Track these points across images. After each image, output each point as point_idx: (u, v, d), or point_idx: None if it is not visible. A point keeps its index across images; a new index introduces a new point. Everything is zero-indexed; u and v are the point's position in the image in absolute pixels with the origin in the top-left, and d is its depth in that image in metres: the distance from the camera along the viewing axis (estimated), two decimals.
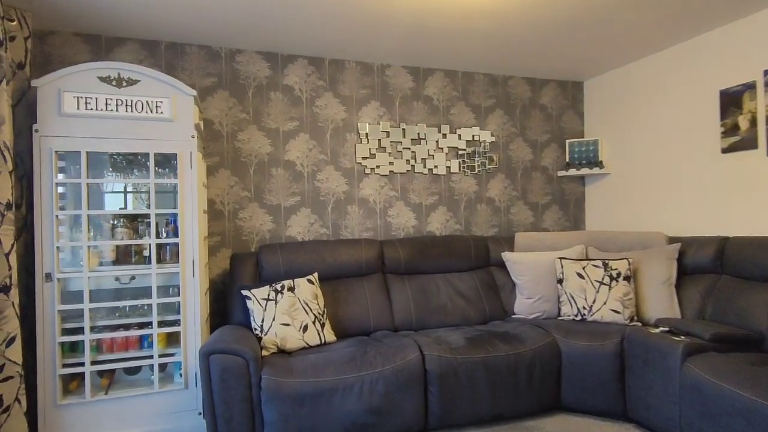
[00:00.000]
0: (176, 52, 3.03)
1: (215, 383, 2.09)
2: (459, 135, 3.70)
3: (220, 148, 3.12)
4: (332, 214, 3.37)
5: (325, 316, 2.68)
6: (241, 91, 3.17)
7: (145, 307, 2.54)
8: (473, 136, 3.74)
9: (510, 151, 3.87)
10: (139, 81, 2.44)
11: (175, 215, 2.52)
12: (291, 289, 2.64)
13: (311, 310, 2.62)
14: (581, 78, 4.00)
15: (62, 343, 2.33)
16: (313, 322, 2.59)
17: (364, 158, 3.46)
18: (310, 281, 2.73)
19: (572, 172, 3.88)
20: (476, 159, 3.75)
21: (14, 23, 2.41)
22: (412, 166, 3.58)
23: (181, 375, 2.50)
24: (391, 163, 3.52)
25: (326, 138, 3.37)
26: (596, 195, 3.98)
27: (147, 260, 2.51)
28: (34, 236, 2.29)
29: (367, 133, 3.46)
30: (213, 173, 3.09)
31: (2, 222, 2.15)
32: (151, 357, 2.43)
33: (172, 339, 2.57)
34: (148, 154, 2.46)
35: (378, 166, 3.49)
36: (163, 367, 2.60)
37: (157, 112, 2.45)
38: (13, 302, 2.17)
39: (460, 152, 3.71)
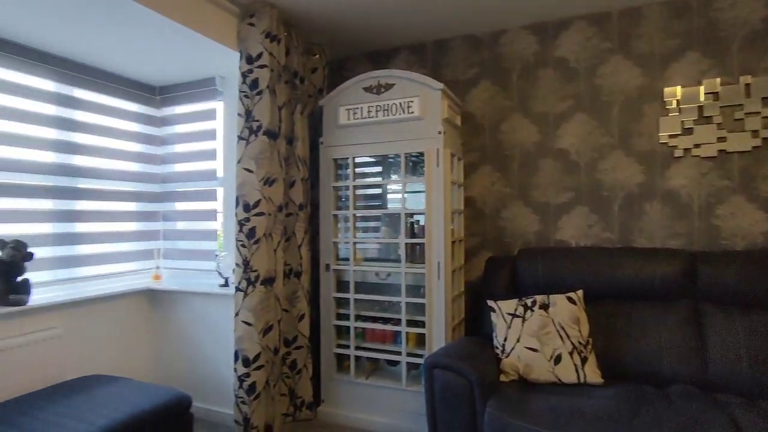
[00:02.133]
0: (441, 50, 3.00)
1: (437, 399, 1.90)
2: None
3: (481, 142, 2.89)
4: (620, 214, 2.57)
5: (589, 348, 2.04)
6: (505, 76, 2.84)
7: (399, 305, 2.61)
8: None
9: None
10: (394, 84, 2.51)
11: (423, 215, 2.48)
12: (544, 306, 2.14)
13: (569, 336, 2.05)
14: None
15: (337, 326, 2.68)
16: (570, 353, 2.01)
17: (672, 136, 2.48)
18: (570, 300, 2.14)
19: None
20: None
21: (315, 57, 2.94)
22: (765, 140, 2.31)
23: None
24: (721, 139, 2.38)
25: (612, 115, 2.60)
26: None
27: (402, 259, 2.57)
28: (317, 232, 2.72)
29: (678, 100, 2.47)
30: (474, 170, 2.90)
31: (297, 220, 2.65)
32: (403, 353, 2.47)
33: (422, 340, 2.54)
34: (400, 155, 2.50)
35: (697, 145, 2.43)
36: (416, 365, 2.61)
37: (408, 112, 2.47)
38: (303, 286, 2.64)
39: None
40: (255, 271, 2.29)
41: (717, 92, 2.40)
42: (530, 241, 2.76)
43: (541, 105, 2.76)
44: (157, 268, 2.96)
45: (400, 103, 2.49)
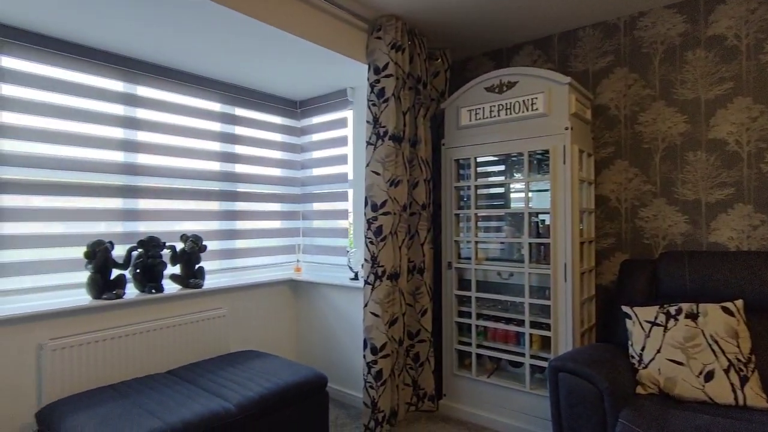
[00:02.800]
0: (568, 41, 2.86)
1: (563, 406, 1.84)
2: None
3: (616, 136, 2.68)
4: None
5: (751, 366, 1.77)
6: (645, 62, 2.59)
7: (522, 305, 2.56)
8: None
9: None
10: (517, 82, 2.48)
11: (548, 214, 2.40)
12: (692, 315, 1.92)
13: (724, 352, 1.81)
14: None
15: (458, 323, 2.73)
16: (726, 371, 1.77)
17: None
18: (727, 310, 1.89)
19: None
20: None
21: (438, 61, 3.03)
22: None
23: None
24: None
25: None
26: None
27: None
28: (439, 231, 2.80)
29: None
30: (607, 166, 2.70)
31: (420, 219, 2.76)
32: (525, 355, 2.42)
33: (546, 343, 2.46)
34: (523, 153, 2.46)
35: None
36: (541, 369, 2.54)
37: (531, 109, 2.41)
38: (425, 282, 2.75)
39: None
40: (381, 266, 2.47)
41: None
42: (675, 243, 2.48)
43: (689, 91, 2.46)
44: (297, 261, 3.34)
45: (523, 101, 2.44)
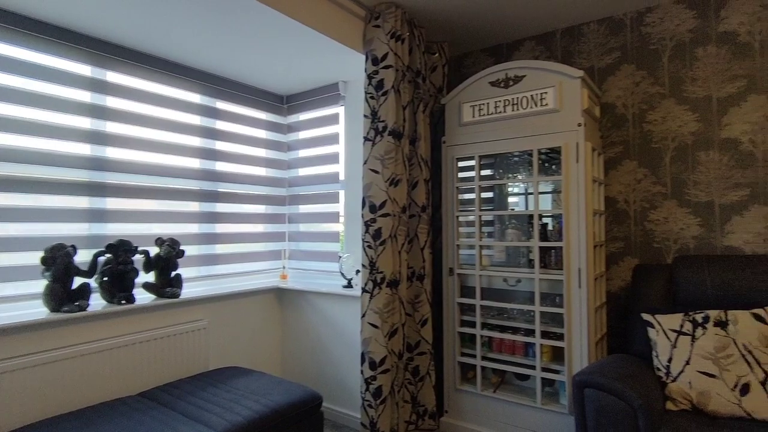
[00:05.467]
0: (572, 37, 2.74)
1: (590, 426, 1.67)
2: None
3: (623, 135, 2.57)
4: None
5: None
6: (653, 58, 2.49)
7: (531, 314, 2.40)
8: None
9: None
10: (525, 76, 2.34)
11: (560, 216, 2.25)
12: (721, 323, 1.79)
13: (759, 363, 1.68)
14: None
15: (461, 334, 2.54)
16: (763, 383, 1.64)
17: None
18: (759, 318, 1.76)
19: None
20: None
21: (435, 55, 2.86)
22: None
23: (566, 397, 2.19)
24: None
25: None
26: None
27: (533, 264, 2.36)
28: (440, 235, 2.62)
29: None
30: (614, 167, 2.58)
31: (419, 222, 2.57)
32: (535, 368, 2.25)
33: (558, 354, 2.30)
34: (532, 151, 2.31)
35: None
36: (550, 382, 2.37)
37: (540, 104, 2.27)
38: (425, 289, 2.55)
39: None
40: (381, 272, 2.26)
41: None
42: (687, 247, 2.37)
43: (700, 89, 2.37)
44: (284, 267, 3.10)
45: (531, 96, 2.30)
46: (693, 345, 1.79)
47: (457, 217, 2.55)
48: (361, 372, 2.26)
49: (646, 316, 1.98)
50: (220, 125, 2.77)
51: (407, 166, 2.47)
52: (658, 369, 1.84)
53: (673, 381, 1.77)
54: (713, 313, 1.83)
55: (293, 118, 3.15)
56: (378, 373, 2.22)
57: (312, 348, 2.84)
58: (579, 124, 2.16)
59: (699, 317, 1.84)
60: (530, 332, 2.33)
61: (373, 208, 2.29)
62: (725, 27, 2.32)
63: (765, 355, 1.68)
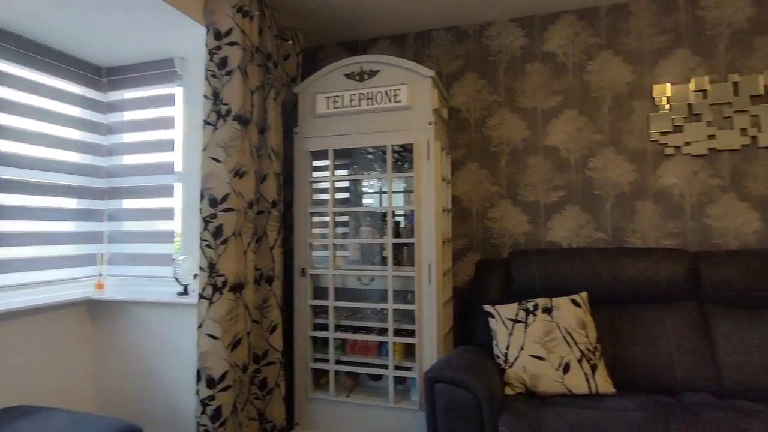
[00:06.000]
0: (423, 41, 2.83)
1: (440, 419, 1.67)
2: None
3: (467, 138, 2.73)
4: (612, 214, 2.48)
5: (597, 354, 1.88)
6: (492, 69, 2.71)
7: (384, 312, 2.37)
8: None
9: None
10: (379, 71, 2.30)
11: (412, 213, 2.26)
12: (547, 310, 1.97)
13: (576, 343, 1.89)
14: None
15: (314, 338, 2.39)
16: (579, 361, 1.85)
17: (663, 133, 2.42)
18: (575, 303, 1.99)
19: None
20: None
21: (289, 42, 2.67)
22: (753, 138, 2.30)
23: (416, 393, 2.20)
24: (711, 137, 2.35)
25: (602, 112, 2.52)
26: None
27: (386, 261, 2.34)
28: (290, 233, 2.44)
29: (668, 97, 2.42)
30: (459, 167, 2.73)
31: (269, 219, 2.35)
32: (388, 367, 2.22)
33: (410, 351, 2.31)
34: (386, 147, 2.28)
35: (687, 143, 2.38)
36: (402, 379, 2.37)
37: (394, 101, 2.26)
38: (275, 293, 2.34)
39: None
40: (222, 275, 1.98)
41: (706, 90, 2.37)
42: (520, 243, 2.61)
43: (529, 100, 2.64)
44: (100, 275, 2.55)
45: (386, 91, 2.28)
46: (526, 331, 1.93)
47: (311, 214, 2.40)
48: (197, 392, 1.94)
49: (487, 308, 2.09)
50: (7, 93, 2.15)
51: (255, 156, 2.24)
52: (498, 357, 1.95)
53: (511, 367, 1.89)
54: (541, 301, 2.01)
55: (116, 96, 2.63)
56: (217, 391, 1.94)
57: (136, 371, 2.37)
58: (430, 123, 2.20)
59: (530, 305, 2.00)
60: (384, 331, 2.29)
61: (213, 202, 2.00)
62: (547, 47, 2.62)
63: (580, 335, 1.90)
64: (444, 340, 2.29)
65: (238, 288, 2.05)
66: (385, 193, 2.68)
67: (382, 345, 2.32)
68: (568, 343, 1.88)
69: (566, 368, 1.83)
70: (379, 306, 2.26)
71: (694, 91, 2.38)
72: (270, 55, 2.38)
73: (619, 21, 2.51)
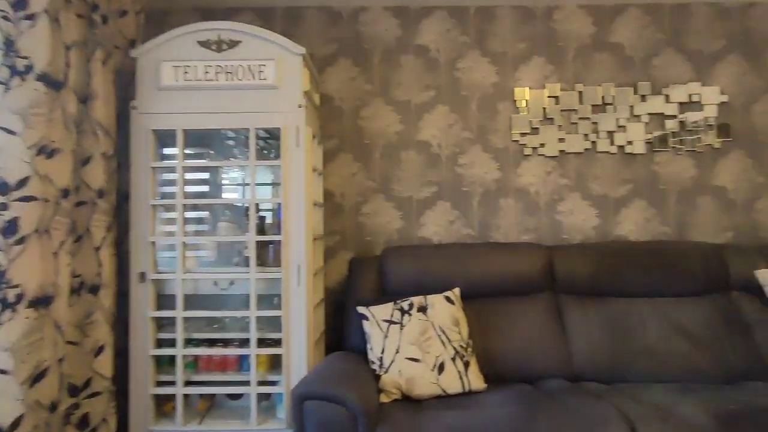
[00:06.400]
0: (293, 18, 2.58)
1: None
2: (667, 96, 2.55)
3: (339, 128, 2.56)
4: (479, 210, 2.54)
5: (470, 351, 1.87)
6: (366, 57, 2.58)
7: (246, 321, 2.07)
8: (690, 96, 2.54)
9: (754, 116, 2.55)
10: (240, 42, 1.99)
11: (279, 206, 2.01)
12: (422, 309, 1.90)
13: (450, 341, 1.85)
14: None
15: (156, 357, 1.97)
16: (453, 359, 1.81)
17: (522, 134, 2.56)
18: (449, 299, 1.96)
19: None
20: (696, 130, 2.53)
21: None
22: (593, 143, 2.56)
23: (283, 410, 1.95)
24: (561, 140, 2.55)
25: (471, 110, 2.57)
26: None
27: (248, 262, 2.03)
28: (127, 230, 1.98)
29: (527, 101, 2.56)
30: (332, 159, 2.55)
31: (94, 211, 1.86)
32: (249, 383, 1.93)
33: (277, 363, 2.04)
34: (249, 130, 1.98)
35: (542, 145, 2.55)
36: (267, 396, 2.09)
37: (259, 78, 1.97)
38: (102, 305, 1.87)
39: (669, 121, 2.55)
40: (16, 286, 1.47)
41: (557, 96, 2.57)
42: (393, 239, 2.53)
43: (403, 93, 2.58)
44: None
45: (248, 66, 1.97)
46: (402, 332, 1.83)
47: (154, 207, 1.98)
48: None
49: (361, 309, 1.95)
50: None
51: (74, 131, 1.74)
52: (373, 362, 1.82)
53: (386, 372, 1.77)
54: (416, 300, 1.93)
55: None
56: None
57: None
58: (300, 106, 1.97)
59: (405, 305, 1.91)
60: (245, 342, 1.99)
61: (3, 187, 1.48)
62: (421, 41, 2.59)
63: (454, 333, 1.87)
64: (315, 347, 2.08)
65: (42, 302, 1.55)
66: (248, 184, 2.36)
67: (243, 358, 2.01)
68: (442, 342, 1.83)
69: (441, 368, 1.77)
70: (240, 314, 1.95)
71: (548, 96, 2.57)
72: (96, 6, 1.88)
73: (487, 23, 2.59)
